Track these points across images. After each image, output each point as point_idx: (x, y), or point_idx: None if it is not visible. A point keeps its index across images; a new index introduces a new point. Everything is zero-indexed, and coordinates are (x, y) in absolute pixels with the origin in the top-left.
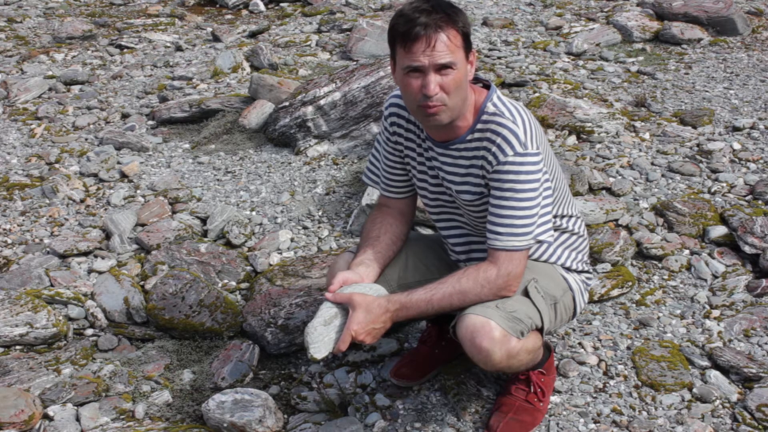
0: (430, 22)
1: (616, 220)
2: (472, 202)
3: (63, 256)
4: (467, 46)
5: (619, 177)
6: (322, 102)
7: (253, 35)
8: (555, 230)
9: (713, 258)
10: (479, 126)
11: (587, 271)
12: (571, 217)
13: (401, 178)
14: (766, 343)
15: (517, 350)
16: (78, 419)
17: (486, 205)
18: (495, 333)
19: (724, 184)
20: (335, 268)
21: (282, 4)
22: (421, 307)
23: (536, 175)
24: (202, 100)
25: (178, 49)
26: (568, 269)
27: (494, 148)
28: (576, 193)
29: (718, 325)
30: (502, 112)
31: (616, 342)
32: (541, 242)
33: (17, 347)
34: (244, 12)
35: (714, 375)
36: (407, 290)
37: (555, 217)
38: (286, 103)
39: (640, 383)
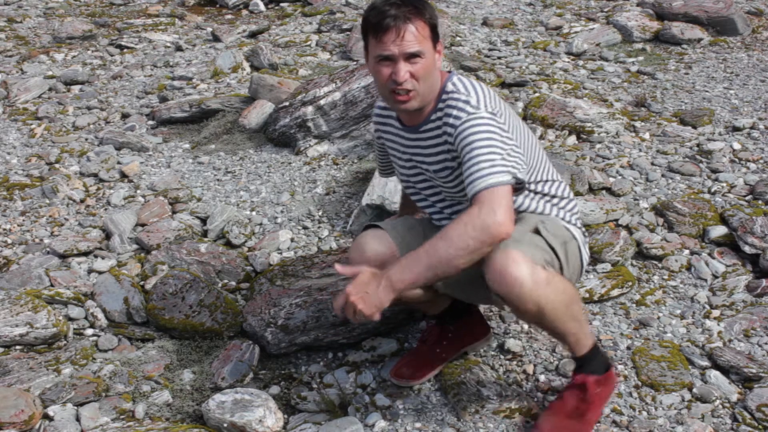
0: (400, 14)
1: (616, 220)
2: (447, 177)
3: (63, 256)
4: (435, 37)
5: (619, 177)
6: (322, 102)
7: (253, 35)
8: (540, 195)
9: (713, 258)
10: (439, 105)
11: (582, 231)
12: (553, 182)
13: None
14: (766, 343)
15: (545, 278)
16: (78, 419)
17: (460, 179)
18: (519, 259)
19: (724, 184)
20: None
21: (282, 4)
22: (411, 265)
23: (492, 127)
24: (202, 100)
25: (178, 49)
26: (567, 222)
27: (451, 119)
28: (576, 193)
29: (718, 325)
30: (459, 89)
31: (616, 342)
32: (521, 185)
33: (17, 347)
34: (244, 12)
35: (714, 375)
36: None
37: (537, 182)
38: (286, 103)
39: (640, 383)
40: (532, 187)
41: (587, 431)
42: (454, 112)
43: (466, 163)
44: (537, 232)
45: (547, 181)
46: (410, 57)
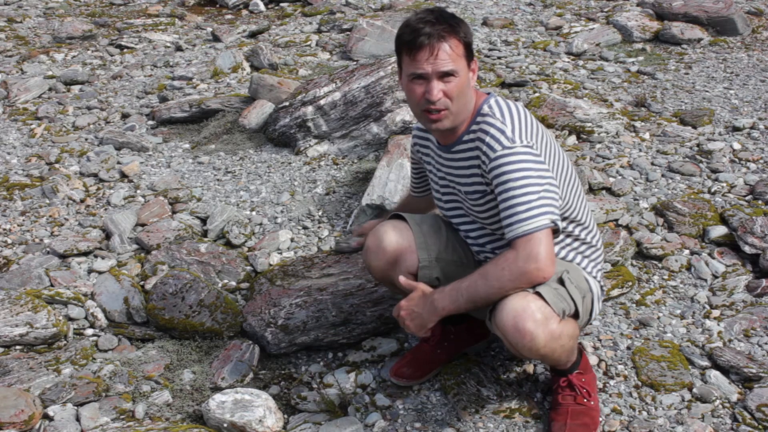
0: (434, 32)
1: (616, 220)
2: (477, 200)
3: (63, 256)
4: (469, 55)
5: (619, 177)
6: (322, 102)
7: (253, 35)
8: (571, 239)
9: (713, 258)
10: (473, 127)
11: (601, 284)
12: (583, 226)
13: (424, 183)
14: (766, 343)
15: (558, 333)
16: (78, 419)
17: (489, 204)
18: (537, 315)
19: (724, 184)
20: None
21: (282, 4)
22: (453, 295)
23: (528, 164)
24: (202, 100)
25: (178, 49)
26: (588, 273)
27: (485, 147)
28: None
29: (718, 325)
30: (494, 113)
31: (616, 342)
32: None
33: (17, 347)
34: (244, 12)
35: (714, 375)
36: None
37: (570, 222)
38: (286, 103)
39: (640, 383)
40: (568, 227)
41: (597, 416)
42: (488, 139)
43: (502, 203)
44: (561, 282)
45: (579, 223)
46: (444, 76)
